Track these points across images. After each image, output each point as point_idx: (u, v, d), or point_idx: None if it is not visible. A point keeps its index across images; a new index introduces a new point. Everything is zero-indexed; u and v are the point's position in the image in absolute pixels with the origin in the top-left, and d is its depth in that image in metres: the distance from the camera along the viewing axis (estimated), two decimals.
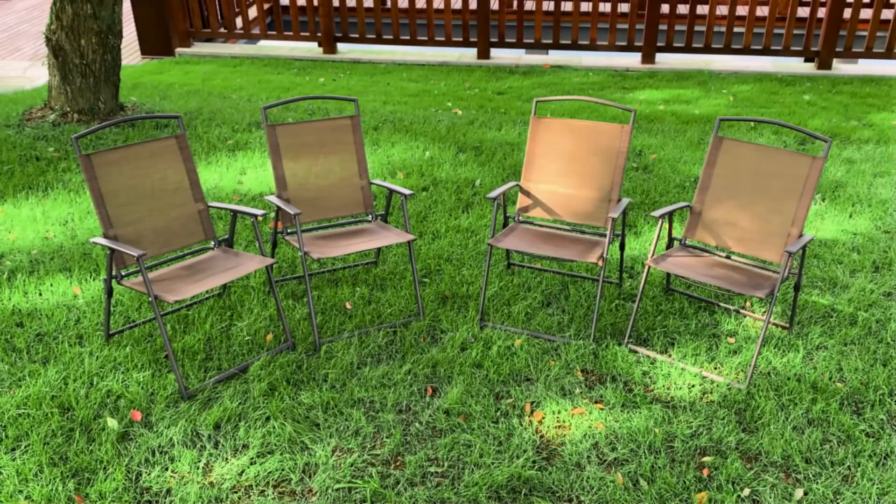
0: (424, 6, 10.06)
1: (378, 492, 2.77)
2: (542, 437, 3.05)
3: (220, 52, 9.70)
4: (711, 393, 3.29)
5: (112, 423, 3.04)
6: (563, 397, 3.27)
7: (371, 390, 3.30)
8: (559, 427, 3.10)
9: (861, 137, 6.45)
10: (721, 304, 3.91)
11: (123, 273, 3.41)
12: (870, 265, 4.31)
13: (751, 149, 3.63)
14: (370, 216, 4.04)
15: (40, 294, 3.95)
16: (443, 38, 9.26)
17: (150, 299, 3.14)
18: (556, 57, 9.50)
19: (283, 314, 3.53)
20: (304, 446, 2.99)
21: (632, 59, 9.19)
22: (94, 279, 4.09)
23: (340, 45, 9.82)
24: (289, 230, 3.81)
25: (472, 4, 10.87)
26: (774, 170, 3.58)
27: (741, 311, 3.85)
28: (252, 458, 2.91)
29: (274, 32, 9.67)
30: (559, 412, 3.18)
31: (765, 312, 3.85)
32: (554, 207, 3.94)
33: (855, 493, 2.78)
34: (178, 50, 9.62)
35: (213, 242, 3.70)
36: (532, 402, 3.23)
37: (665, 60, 9.12)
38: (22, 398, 3.18)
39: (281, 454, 2.93)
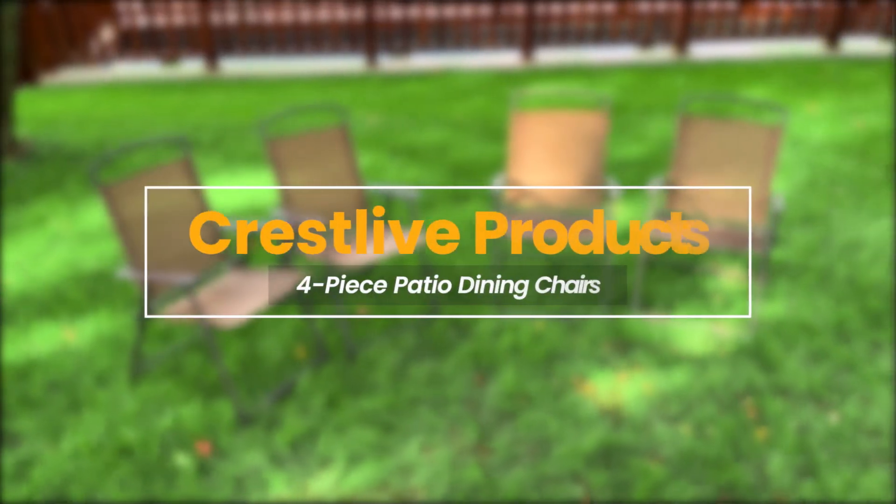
0: (309, 20, 9.96)
1: (481, 479, 2.83)
2: (602, 405, 3.23)
3: (95, 77, 9.08)
4: (725, 345, 3.62)
5: (184, 459, 2.87)
6: (605, 367, 3.47)
7: (426, 388, 3.33)
8: (613, 394, 3.30)
9: (737, 111, 7.19)
10: (698, 268, 4.28)
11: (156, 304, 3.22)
12: (798, 219, 4.87)
13: (716, 124, 3.97)
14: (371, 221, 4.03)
15: (28, 344, 3.60)
16: (330, 48, 9.21)
17: (204, 326, 2.99)
18: (443, 60, 9.73)
19: (314, 326, 3.47)
20: (389, 449, 2.98)
21: (514, 58, 9.60)
22: (81, 319, 3.78)
23: (226, 63, 9.49)
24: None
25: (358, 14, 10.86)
26: (739, 141, 3.95)
27: (717, 272, 4.24)
28: (344, 470, 2.87)
29: (135, 55, 9.18)
30: (607, 381, 3.37)
31: (737, 271, 4.26)
32: (544, 196, 4.13)
33: (879, 409, 3.19)
34: (46, 78, 8.89)
35: (227, 263, 3.56)
36: (579, 376, 3.40)
37: (543, 57, 9.62)
38: (72, 450, 2.92)
39: (372, 460, 2.91)
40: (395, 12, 9.51)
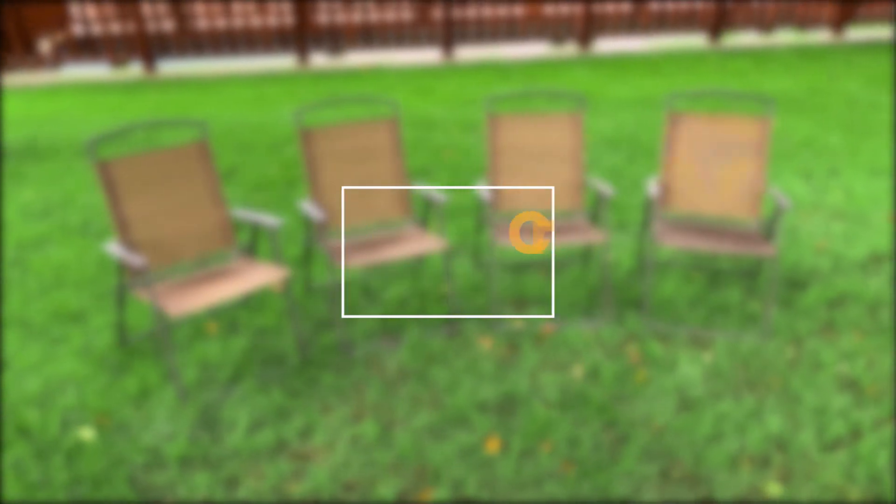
0: (243, 24, 9.54)
1: (378, 434, 2.64)
2: (499, 357, 3.08)
3: (40, 80, 8.50)
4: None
5: (87, 432, 2.60)
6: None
7: (332, 354, 3.13)
8: (511, 347, 3.14)
9: (628, 98, 7.14)
10: (697, 267, 3.83)
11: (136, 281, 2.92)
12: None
13: (704, 119, 3.53)
14: (409, 221, 3.54)
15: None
16: (263, 49, 8.84)
17: (155, 310, 2.70)
18: (371, 57, 9.45)
19: (297, 325, 3.19)
20: (290, 413, 2.76)
21: (435, 56, 9.39)
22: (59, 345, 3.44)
23: (162, 65, 9.02)
24: (322, 236, 3.34)
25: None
26: (729, 135, 3.51)
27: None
28: (246, 433, 2.64)
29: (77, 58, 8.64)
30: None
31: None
32: (529, 201, 3.63)
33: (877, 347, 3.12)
34: None
35: (233, 251, 3.24)
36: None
37: (462, 54, 9.43)
38: None
39: (272, 424, 2.69)
40: (324, 17, 9.18)
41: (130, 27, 8.66)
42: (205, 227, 3.12)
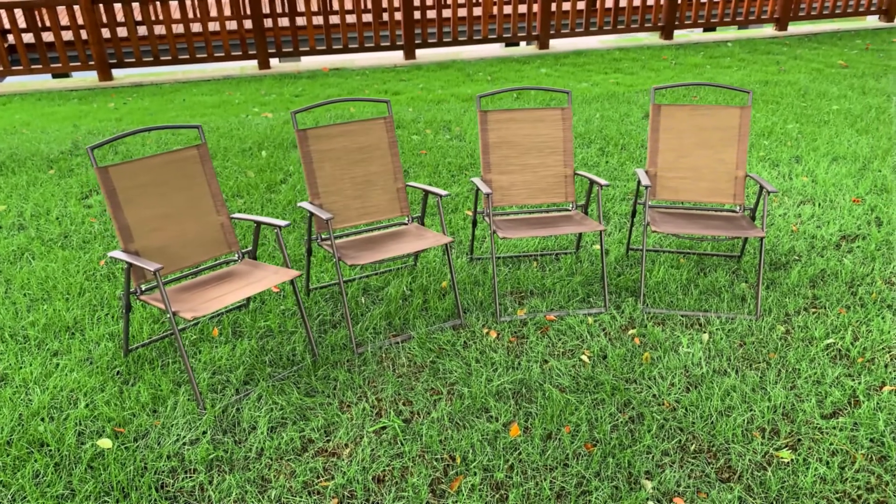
0: (200, 30, 9.38)
1: (401, 427, 2.67)
2: (507, 345, 3.15)
3: None
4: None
5: (105, 442, 2.55)
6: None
7: (342, 352, 3.14)
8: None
9: (590, 94, 7.32)
10: (684, 252, 3.91)
11: (144, 287, 2.86)
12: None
13: (686, 109, 3.64)
14: (407, 219, 3.57)
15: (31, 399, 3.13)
16: (222, 54, 8.71)
17: (168, 316, 2.66)
18: (331, 60, 9.41)
19: (307, 326, 3.15)
20: (310, 411, 2.77)
21: (397, 57, 9.42)
22: (59, 358, 3.33)
23: (117, 71, 8.79)
24: (322, 236, 3.34)
25: (248, 24, 10.31)
26: (711, 124, 3.63)
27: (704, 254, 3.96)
28: (268, 434, 2.64)
29: (39, 66, 8.34)
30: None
31: (712, 249, 4.28)
32: (522, 194, 3.68)
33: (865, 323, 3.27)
34: None
35: (236, 255, 3.19)
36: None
37: (423, 55, 9.48)
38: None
39: (293, 423, 2.69)
40: (284, 20, 9.09)
41: (84, 34, 8.40)
42: (209, 230, 3.09)
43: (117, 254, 2.79)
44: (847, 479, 2.40)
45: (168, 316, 2.67)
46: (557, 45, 10.01)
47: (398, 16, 9.21)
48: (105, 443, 2.55)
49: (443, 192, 3.38)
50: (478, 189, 3.56)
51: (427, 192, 3.47)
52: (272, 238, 4.21)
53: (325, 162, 3.39)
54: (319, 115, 6.76)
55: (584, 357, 3.06)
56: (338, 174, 3.42)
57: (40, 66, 8.31)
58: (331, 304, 3.49)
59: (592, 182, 3.54)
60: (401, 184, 3.55)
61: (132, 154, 5.70)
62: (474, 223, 3.75)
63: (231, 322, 3.34)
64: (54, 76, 9.35)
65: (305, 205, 3.29)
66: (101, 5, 8.19)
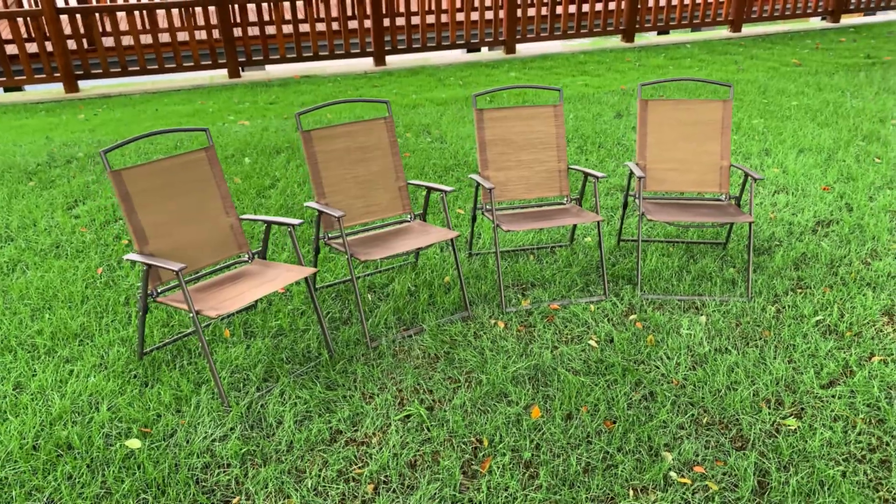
0: (169, 40, 9.28)
1: (425, 414, 2.74)
2: (516, 333, 3.24)
3: None
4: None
5: (135, 442, 2.55)
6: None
7: (357, 347, 3.19)
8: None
9: (568, 96, 7.52)
10: (672, 241, 4.06)
11: (160, 289, 2.86)
12: None
13: (671, 104, 3.79)
14: (409, 216, 3.64)
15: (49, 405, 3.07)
16: (192, 64, 8.63)
17: (192, 315, 2.67)
18: (302, 67, 9.42)
19: (323, 323, 3.17)
20: (332, 403, 2.81)
21: (367, 64, 9.48)
22: (72, 363, 3.28)
23: (83, 83, 8.63)
24: (330, 235, 3.37)
25: (217, 34, 10.23)
26: (695, 118, 3.78)
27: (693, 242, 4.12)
28: (294, 427, 2.68)
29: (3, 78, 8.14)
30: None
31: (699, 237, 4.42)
32: (518, 189, 3.78)
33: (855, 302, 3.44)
34: None
35: (247, 255, 3.21)
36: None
37: (393, 61, 9.56)
38: (3, 455, 2.51)
39: (318, 416, 2.74)
40: (254, 29, 9.07)
41: (49, 45, 8.22)
42: (219, 232, 3.12)
43: (134, 256, 2.79)
44: (850, 441, 2.57)
45: (191, 315, 2.69)
46: (523, 49, 10.21)
47: (367, 23, 9.28)
48: (134, 443, 2.55)
49: (447, 189, 3.47)
50: (477, 185, 3.66)
51: (429, 190, 3.56)
52: (272, 239, 4.23)
53: (330, 162, 3.44)
54: (304, 119, 6.78)
55: (591, 342, 3.17)
56: (341, 174, 3.48)
57: (4, 79, 8.11)
58: (338, 302, 3.54)
59: (587, 175, 3.67)
60: (402, 182, 3.63)
61: (114, 165, 5.63)
62: (473, 219, 3.85)
63: (241, 323, 3.36)
64: (6, 90, 9.10)
65: (313, 204, 3.34)
66: (65, 16, 8.04)
